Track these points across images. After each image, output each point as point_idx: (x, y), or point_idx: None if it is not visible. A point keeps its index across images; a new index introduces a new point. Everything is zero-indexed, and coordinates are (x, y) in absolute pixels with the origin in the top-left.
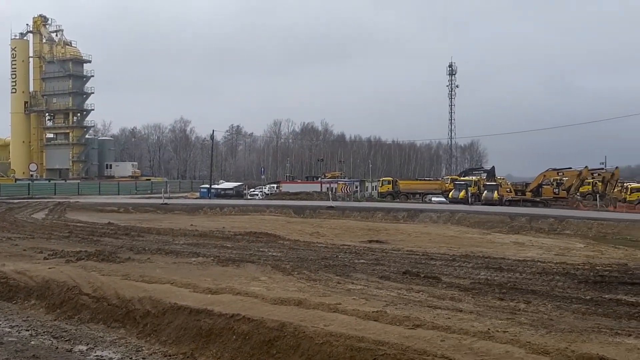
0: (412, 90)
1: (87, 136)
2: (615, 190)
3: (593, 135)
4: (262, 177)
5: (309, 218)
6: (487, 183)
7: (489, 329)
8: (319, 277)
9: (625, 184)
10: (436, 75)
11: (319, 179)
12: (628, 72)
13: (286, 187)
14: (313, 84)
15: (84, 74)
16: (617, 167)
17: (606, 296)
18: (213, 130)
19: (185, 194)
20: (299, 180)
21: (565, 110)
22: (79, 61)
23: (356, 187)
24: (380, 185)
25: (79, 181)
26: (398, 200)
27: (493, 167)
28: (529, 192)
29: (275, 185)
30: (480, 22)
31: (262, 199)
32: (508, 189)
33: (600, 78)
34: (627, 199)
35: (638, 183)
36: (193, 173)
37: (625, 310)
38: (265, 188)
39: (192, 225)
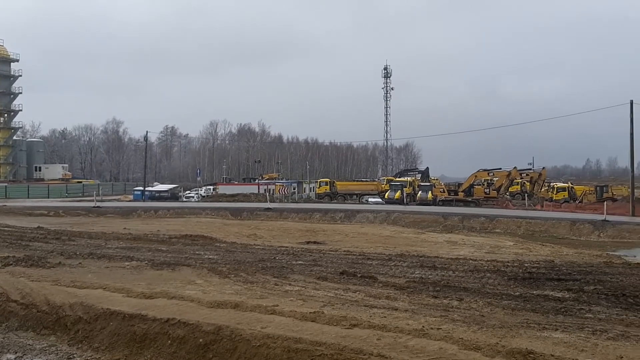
0: (348, 92)
1: (14, 137)
2: (543, 189)
3: (521, 137)
4: (198, 179)
5: (246, 220)
6: (422, 184)
7: (423, 327)
8: (256, 280)
9: (551, 184)
10: (372, 78)
11: (257, 181)
12: (551, 77)
13: (223, 189)
14: (250, 85)
15: (11, 73)
16: (544, 168)
17: (534, 292)
18: (147, 132)
19: (119, 197)
20: (236, 182)
21: (494, 112)
22: (6, 60)
23: (294, 189)
24: (317, 186)
25: (6, 184)
26: (335, 201)
27: (427, 168)
28: (462, 192)
29: (211, 187)
30: (413, 27)
31: (198, 201)
32: (442, 190)
33: (524, 82)
34: (554, 198)
35: (564, 183)
36: (127, 175)
37: (552, 305)
38: (201, 190)
39: (125, 228)
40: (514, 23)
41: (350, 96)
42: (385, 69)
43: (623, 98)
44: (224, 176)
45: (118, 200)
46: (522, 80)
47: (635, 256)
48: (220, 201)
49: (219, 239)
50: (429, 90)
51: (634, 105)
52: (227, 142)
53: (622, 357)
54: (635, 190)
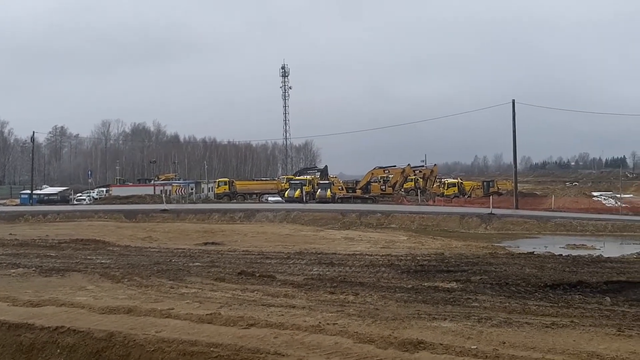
0: (247, 91)
1: None
2: (435, 185)
3: (415, 135)
4: (90, 180)
5: (141, 222)
6: (321, 182)
7: (319, 323)
8: (151, 283)
9: (442, 180)
10: (270, 77)
11: (152, 182)
12: (441, 77)
13: (117, 191)
14: (143, 84)
15: None
16: (435, 164)
17: (426, 284)
18: (33, 132)
19: (4, 201)
20: (131, 184)
21: (389, 110)
22: None
23: (191, 189)
24: (216, 186)
25: None
26: (235, 201)
27: (326, 166)
28: (359, 189)
29: (104, 189)
30: (310, 26)
31: (90, 204)
32: (340, 187)
33: (417, 81)
34: (445, 194)
35: (454, 179)
36: (13, 178)
37: (442, 296)
38: (93, 192)
39: (11, 234)
40: (406, 22)
41: (250, 95)
42: (283, 68)
43: (508, 97)
44: (118, 177)
45: (4, 204)
46: (415, 79)
47: (518, 247)
48: (114, 203)
49: (112, 242)
50: (327, 89)
51: (516, 104)
52: (120, 142)
53: (504, 343)
54: (518, 185)
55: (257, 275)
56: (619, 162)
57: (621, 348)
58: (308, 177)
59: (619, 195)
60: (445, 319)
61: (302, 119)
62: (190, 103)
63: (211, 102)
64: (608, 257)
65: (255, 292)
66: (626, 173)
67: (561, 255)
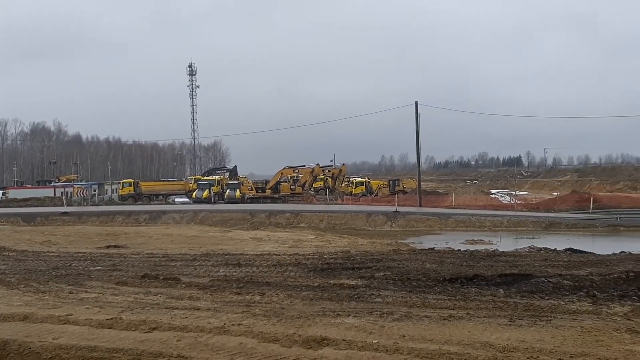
0: (153, 90)
1: None
2: (343, 184)
3: (325, 135)
4: None
5: (40, 226)
6: (230, 182)
7: (224, 324)
8: (49, 289)
9: (351, 179)
10: (178, 76)
11: (52, 184)
12: (348, 78)
13: (14, 194)
14: (43, 82)
15: None
16: (343, 164)
17: (331, 282)
18: None
19: None
20: (29, 186)
21: (299, 110)
22: None
23: (94, 191)
24: (121, 187)
25: None
26: (140, 202)
27: (235, 166)
28: (269, 189)
29: (1, 192)
30: (217, 26)
31: None
32: (250, 187)
33: (326, 82)
34: (353, 193)
35: (361, 178)
36: None
37: (346, 293)
38: None
39: None
40: (313, 25)
41: (156, 94)
42: (190, 66)
43: (412, 99)
44: (15, 179)
45: None
46: (322, 81)
47: (421, 243)
48: (11, 206)
49: (8, 247)
50: (237, 89)
51: (418, 105)
52: (18, 142)
53: (404, 336)
54: (422, 183)
55: (161, 278)
56: (515, 161)
57: (512, 337)
58: (217, 177)
59: (514, 193)
60: (349, 315)
61: (211, 118)
62: (94, 102)
63: (115, 102)
64: (503, 252)
65: (159, 295)
66: (521, 171)
67: (460, 250)
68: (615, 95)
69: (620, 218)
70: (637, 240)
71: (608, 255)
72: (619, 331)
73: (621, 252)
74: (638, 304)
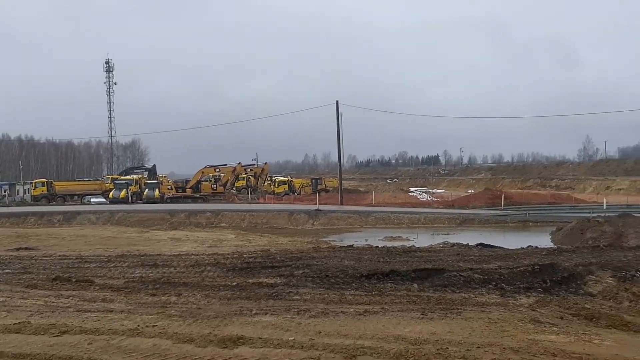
0: (68, 87)
1: None
2: (266, 183)
3: (247, 134)
4: None
5: None
6: (149, 181)
7: (138, 326)
8: None
9: (273, 178)
10: (94, 72)
11: None
12: (267, 77)
13: None
14: None
15: None
16: (266, 163)
17: (250, 280)
18: None
19: None
20: None
21: (220, 109)
22: None
23: (5, 191)
24: (33, 187)
25: None
26: (54, 203)
27: (154, 165)
28: (189, 188)
29: None
30: (136, 24)
31: None
32: (169, 187)
33: (245, 81)
34: (275, 192)
35: (284, 177)
36: None
37: (265, 291)
38: None
39: None
40: (232, 24)
41: (71, 92)
42: (107, 63)
43: (334, 99)
44: None
45: None
46: (243, 78)
47: (342, 240)
48: None
49: None
50: (156, 88)
51: (339, 105)
52: None
53: (320, 332)
54: (344, 182)
55: (74, 280)
56: (433, 160)
57: (423, 330)
58: (135, 176)
59: (431, 191)
60: (266, 314)
61: (133, 118)
62: (3, 99)
63: (28, 99)
64: (419, 247)
65: (71, 298)
66: (439, 170)
67: (378, 247)
68: (525, 96)
69: (529, 214)
70: (543, 235)
71: (516, 249)
72: (523, 321)
73: (529, 246)
74: (542, 295)
